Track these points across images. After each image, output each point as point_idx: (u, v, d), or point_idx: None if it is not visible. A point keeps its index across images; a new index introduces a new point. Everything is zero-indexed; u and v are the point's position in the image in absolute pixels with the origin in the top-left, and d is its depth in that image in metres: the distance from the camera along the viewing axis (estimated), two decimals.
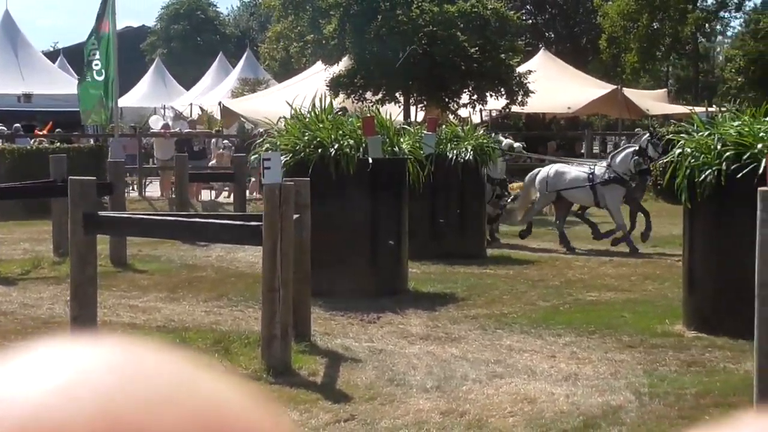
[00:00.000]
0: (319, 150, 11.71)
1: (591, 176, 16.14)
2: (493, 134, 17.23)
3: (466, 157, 15.05)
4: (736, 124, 9.98)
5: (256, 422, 0.54)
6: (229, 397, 0.54)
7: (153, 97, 44.29)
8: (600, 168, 16.28)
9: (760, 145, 9.44)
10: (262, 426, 0.54)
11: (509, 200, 17.32)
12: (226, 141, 29.89)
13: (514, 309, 11.00)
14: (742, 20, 53.67)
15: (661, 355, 8.80)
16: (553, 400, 7.35)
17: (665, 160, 13.32)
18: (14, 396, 0.51)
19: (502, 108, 29.05)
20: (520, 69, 28.99)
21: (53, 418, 0.50)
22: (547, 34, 55.73)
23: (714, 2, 49.72)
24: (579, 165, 17.31)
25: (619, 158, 16.04)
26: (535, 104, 29.40)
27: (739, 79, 45.42)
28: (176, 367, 0.55)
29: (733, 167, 9.48)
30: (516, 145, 18.23)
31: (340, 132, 11.94)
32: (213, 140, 30.46)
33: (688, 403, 7.26)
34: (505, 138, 17.55)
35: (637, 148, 15.90)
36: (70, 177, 9.37)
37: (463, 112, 27.47)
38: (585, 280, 12.96)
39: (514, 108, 28.92)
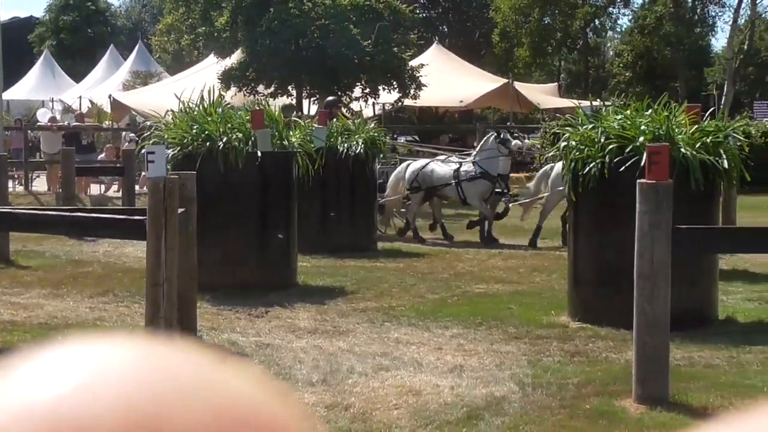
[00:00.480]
0: (207, 143, 11.60)
1: None
2: (502, 133, 16.60)
3: (357, 151, 15.04)
4: (618, 117, 10.14)
5: (281, 418, 0.53)
6: (252, 392, 0.53)
7: (41, 90, 43.38)
8: None
9: (641, 138, 9.60)
10: (286, 422, 0.53)
11: (511, 197, 16.67)
12: (132, 134, 29.43)
13: (403, 302, 11.03)
14: (630, 16, 54.81)
15: (545, 346, 8.91)
16: (438, 392, 7.38)
17: (551, 154, 13.53)
18: (36, 395, 0.50)
19: (395, 101, 29.16)
20: (413, 62, 29.12)
21: (76, 417, 0.49)
22: (440, 27, 56.11)
23: None
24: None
25: None
26: (428, 98, 29.60)
27: (627, 74, 46.38)
28: (198, 363, 0.54)
29: (616, 160, 9.63)
30: (526, 142, 17.89)
31: (229, 125, 11.84)
32: (123, 133, 29.95)
33: (570, 393, 7.36)
34: (514, 138, 16.81)
35: None
36: None
37: (356, 106, 27.51)
38: (474, 273, 13.05)
39: (407, 101, 29.07)
